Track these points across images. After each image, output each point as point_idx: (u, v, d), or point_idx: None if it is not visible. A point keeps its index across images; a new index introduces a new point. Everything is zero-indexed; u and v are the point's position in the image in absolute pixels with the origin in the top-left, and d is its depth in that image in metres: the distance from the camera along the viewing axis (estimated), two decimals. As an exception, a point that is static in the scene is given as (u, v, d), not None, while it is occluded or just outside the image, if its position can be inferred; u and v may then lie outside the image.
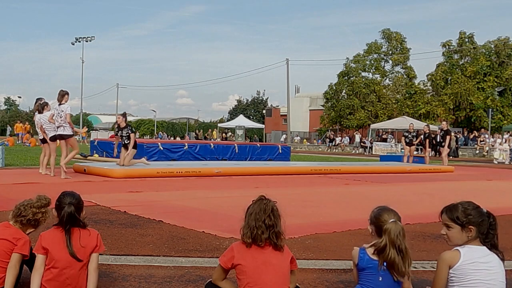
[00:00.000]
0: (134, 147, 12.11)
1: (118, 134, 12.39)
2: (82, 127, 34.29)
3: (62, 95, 10.66)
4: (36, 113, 11.36)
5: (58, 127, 10.63)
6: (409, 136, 18.71)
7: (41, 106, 11.10)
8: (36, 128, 11.05)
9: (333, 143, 43.61)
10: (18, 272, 3.13)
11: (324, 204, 7.89)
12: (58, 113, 10.59)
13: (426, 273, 3.88)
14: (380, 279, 2.91)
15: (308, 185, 10.67)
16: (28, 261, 3.42)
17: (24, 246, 3.17)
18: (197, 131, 63.60)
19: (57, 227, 3.22)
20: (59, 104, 10.63)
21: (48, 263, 3.14)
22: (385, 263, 2.90)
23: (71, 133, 10.82)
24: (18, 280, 3.32)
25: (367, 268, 2.95)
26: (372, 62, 50.10)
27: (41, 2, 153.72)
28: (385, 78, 50.51)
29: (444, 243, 3.08)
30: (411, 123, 20.93)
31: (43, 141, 11.41)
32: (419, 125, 35.28)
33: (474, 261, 2.84)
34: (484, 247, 2.91)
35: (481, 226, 2.93)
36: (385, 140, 39.71)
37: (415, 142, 18.67)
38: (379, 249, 2.91)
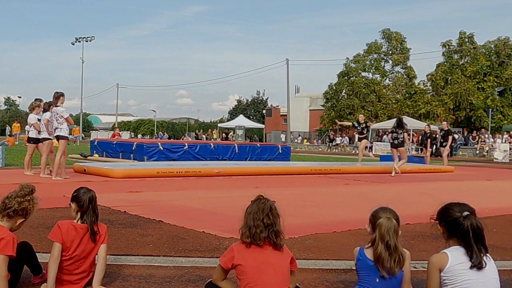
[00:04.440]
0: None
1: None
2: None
3: (57, 97, 10.60)
4: (38, 112, 11.29)
5: (55, 129, 10.62)
6: (423, 138, 19.18)
7: (47, 105, 11.05)
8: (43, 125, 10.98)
9: (333, 143, 43.61)
10: (5, 273, 3.03)
11: (324, 204, 7.89)
12: (54, 115, 10.57)
13: (426, 273, 3.87)
14: (377, 280, 2.91)
15: (308, 185, 10.66)
16: (28, 262, 3.41)
17: (6, 246, 3.06)
18: (197, 131, 63.59)
19: (74, 223, 3.33)
20: (55, 106, 10.60)
21: (61, 254, 3.24)
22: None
23: (67, 135, 10.83)
24: (17, 281, 3.32)
25: (364, 268, 2.96)
26: (372, 62, 50.08)
27: (41, 2, 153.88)
28: (385, 78, 50.49)
29: (444, 242, 3.09)
30: (427, 125, 20.96)
31: (35, 141, 11.32)
32: (420, 125, 35.35)
33: (462, 261, 2.83)
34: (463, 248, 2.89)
35: (450, 226, 2.93)
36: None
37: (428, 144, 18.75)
38: (371, 242, 2.95)
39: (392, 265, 2.89)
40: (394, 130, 14.61)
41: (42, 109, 11.22)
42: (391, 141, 14.73)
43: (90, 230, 3.32)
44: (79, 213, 3.36)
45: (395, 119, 15.97)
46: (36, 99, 11.63)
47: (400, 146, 14.34)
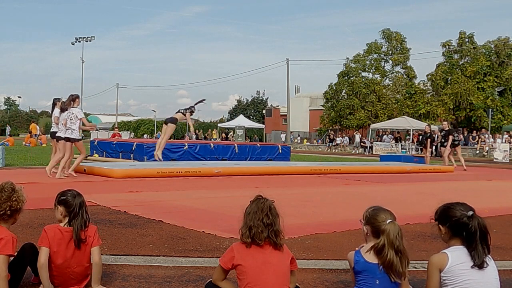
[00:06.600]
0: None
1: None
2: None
3: (73, 99, 10.76)
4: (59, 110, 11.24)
5: (66, 130, 10.65)
6: (423, 138, 20.02)
7: (64, 105, 11.03)
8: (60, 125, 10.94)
9: (333, 143, 43.62)
10: (5, 273, 3.01)
11: (324, 204, 7.89)
12: (69, 116, 10.61)
13: (426, 273, 3.87)
14: (377, 282, 2.89)
15: (308, 185, 10.66)
16: (31, 263, 3.40)
17: (5, 246, 3.04)
18: (197, 131, 63.56)
19: (60, 227, 3.27)
20: (71, 107, 10.67)
21: (52, 260, 3.20)
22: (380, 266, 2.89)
23: (79, 138, 10.85)
24: (19, 281, 3.32)
25: (363, 271, 2.93)
26: (372, 62, 50.08)
27: (41, 2, 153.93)
28: (385, 78, 50.50)
29: (444, 243, 3.08)
30: (427, 125, 21.60)
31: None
32: (420, 125, 35.34)
33: (463, 261, 2.83)
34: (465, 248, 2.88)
35: (455, 227, 2.91)
36: (398, 139, 39.48)
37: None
38: (377, 249, 2.90)
39: (404, 270, 2.89)
40: (456, 133, 18.73)
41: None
42: (455, 142, 18.39)
43: (75, 236, 3.22)
44: (67, 218, 3.27)
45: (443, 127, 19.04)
46: (56, 99, 11.58)
47: (458, 145, 18.90)
